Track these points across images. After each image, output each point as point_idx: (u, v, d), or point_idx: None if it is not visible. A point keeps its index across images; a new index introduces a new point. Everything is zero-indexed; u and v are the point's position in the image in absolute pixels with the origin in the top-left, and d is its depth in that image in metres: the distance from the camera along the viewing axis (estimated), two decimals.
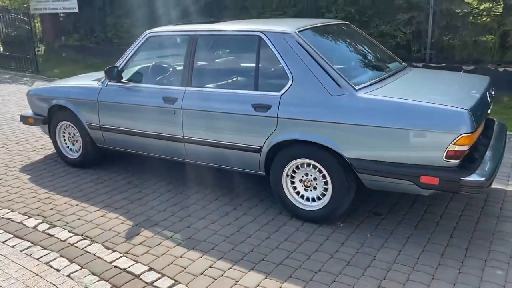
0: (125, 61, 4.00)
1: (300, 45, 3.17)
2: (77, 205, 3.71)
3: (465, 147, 2.70)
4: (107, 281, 2.66)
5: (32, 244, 3.10)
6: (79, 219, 3.46)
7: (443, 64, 7.13)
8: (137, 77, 3.99)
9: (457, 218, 3.30)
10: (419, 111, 2.78)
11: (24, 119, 4.91)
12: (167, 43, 3.88)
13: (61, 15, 13.41)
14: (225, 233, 3.19)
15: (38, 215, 3.55)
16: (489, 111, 3.41)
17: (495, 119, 3.83)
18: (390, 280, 2.60)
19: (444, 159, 2.73)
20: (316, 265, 2.77)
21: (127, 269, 2.77)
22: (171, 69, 3.94)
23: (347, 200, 3.14)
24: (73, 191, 4.00)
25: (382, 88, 3.09)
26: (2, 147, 5.41)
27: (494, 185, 3.73)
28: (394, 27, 7.50)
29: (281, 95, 3.20)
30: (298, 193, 3.32)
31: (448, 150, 2.70)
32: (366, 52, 3.78)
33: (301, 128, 3.12)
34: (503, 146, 3.31)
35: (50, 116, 4.59)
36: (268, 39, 3.30)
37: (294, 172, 3.29)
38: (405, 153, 2.84)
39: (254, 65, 3.37)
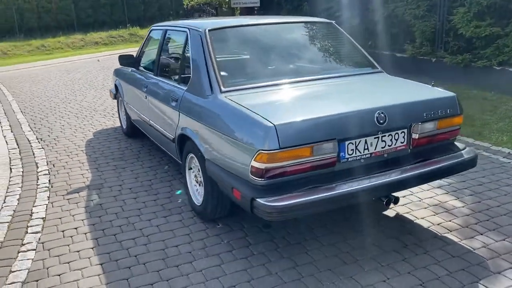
0: (139, 50, 4.70)
1: (202, 44, 3.22)
2: (82, 163, 4.67)
3: (266, 166, 2.37)
4: (8, 222, 3.40)
5: (18, 183, 4.18)
6: (67, 173, 4.40)
7: None
8: (143, 65, 4.64)
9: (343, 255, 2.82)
10: (240, 120, 2.57)
11: (110, 93, 6.19)
12: (160, 36, 4.34)
13: (256, 8, 14.98)
14: (127, 215, 3.44)
15: (53, 165, 4.65)
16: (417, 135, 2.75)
17: (459, 146, 3.00)
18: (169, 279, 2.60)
19: (250, 175, 2.47)
20: (139, 251, 2.92)
21: (32, 215, 3.50)
22: (156, 59, 4.41)
23: (215, 201, 3.08)
24: (96, 153, 4.98)
25: (255, 93, 2.88)
26: (105, 115, 6.86)
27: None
28: None
29: (185, 90, 3.34)
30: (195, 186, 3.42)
31: (251, 166, 2.44)
32: (308, 53, 3.44)
33: (187, 124, 3.22)
34: (414, 178, 2.66)
35: (116, 92, 5.70)
36: (190, 35, 3.44)
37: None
38: (229, 161, 2.67)
39: (181, 59, 3.57)
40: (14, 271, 2.74)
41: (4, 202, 3.76)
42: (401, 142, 2.75)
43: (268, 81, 3.04)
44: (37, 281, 2.64)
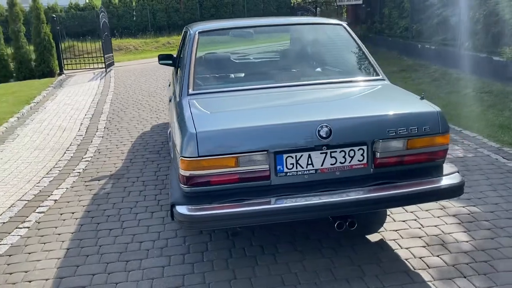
0: (179, 49, 4.90)
1: (189, 45, 3.25)
2: (122, 153, 5.04)
3: (189, 173, 2.33)
4: (27, 201, 3.84)
5: (61, 166, 4.69)
6: (103, 161, 4.81)
7: None
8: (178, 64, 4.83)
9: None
10: (180, 124, 2.54)
11: None
12: (184, 36, 4.44)
13: (362, 5, 14.35)
14: (122, 206, 3.64)
15: (99, 152, 5.12)
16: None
17: (445, 171, 2.57)
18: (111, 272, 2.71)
19: (179, 182, 2.44)
20: (106, 241, 3.09)
21: (49, 197, 3.92)
22: (177, 58, 4.52)
23: None
24: (140, 144, 5.33)
25: (215, 98, 2.84)
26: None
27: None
28: None
29: (177, 90, 3.40)
30: None
31: (179, 172, 2.40)
32: (296, 58, 3.22)
33: (173, 121, 3.29)
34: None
35: None
36: (187, 36, 3.49)
37: None
38: (175, 166, 2.66)
39: (181, 60, 3.64)
40: (0, 245, 3.12)
41: (38, 183, 4.27)
42: (359, 160, 2.45)
43: (237, 86, 2.96)
44: (10, 256, 2.97)
